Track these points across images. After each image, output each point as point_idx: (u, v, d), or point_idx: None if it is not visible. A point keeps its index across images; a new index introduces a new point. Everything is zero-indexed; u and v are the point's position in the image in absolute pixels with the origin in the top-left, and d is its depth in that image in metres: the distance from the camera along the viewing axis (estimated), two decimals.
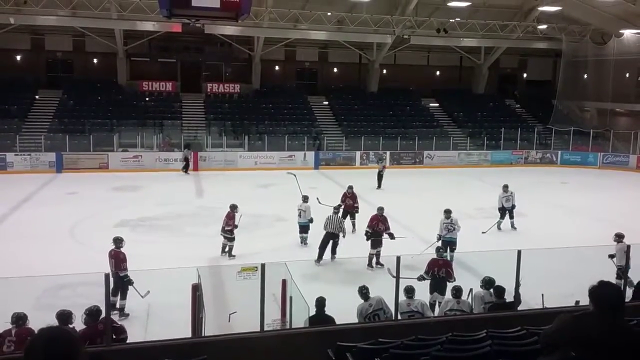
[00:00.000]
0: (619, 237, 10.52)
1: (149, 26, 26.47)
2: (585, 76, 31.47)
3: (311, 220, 13.60)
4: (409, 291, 7.37)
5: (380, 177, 21.50)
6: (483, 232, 14.92)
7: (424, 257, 11.48)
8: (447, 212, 12.50)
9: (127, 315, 9.22)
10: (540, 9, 28.01)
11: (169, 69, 31.34)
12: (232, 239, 12.62)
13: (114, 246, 9.60)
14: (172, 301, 8.81)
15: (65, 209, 16.94)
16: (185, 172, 24.29)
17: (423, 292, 6.81)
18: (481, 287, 7.86)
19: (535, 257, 8.65)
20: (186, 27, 25.07)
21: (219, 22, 23.91)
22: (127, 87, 29.88)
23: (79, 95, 28.58)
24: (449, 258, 11.42)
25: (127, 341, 6.32)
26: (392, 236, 12.23)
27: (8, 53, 28.86)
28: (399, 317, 6.77)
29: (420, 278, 9.34)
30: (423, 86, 33.27)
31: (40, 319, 6.27)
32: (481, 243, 13.69)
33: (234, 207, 12.67)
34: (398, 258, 6.59)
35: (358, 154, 27.44)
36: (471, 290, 8.01)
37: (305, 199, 13.89)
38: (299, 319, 7.43)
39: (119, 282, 9.17)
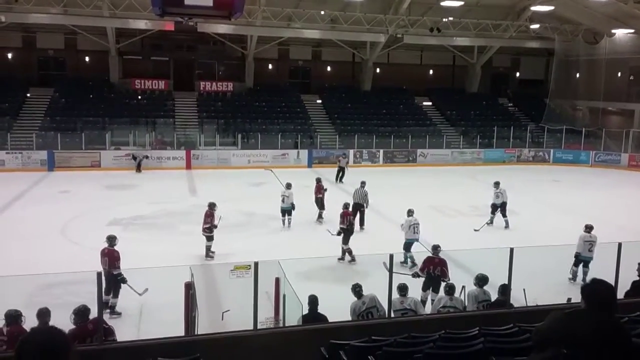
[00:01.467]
0: (587, 228, 11.33)
1: (141, 24, 26.33)
2: (578, 75, 31.66)
3: (293, 206, 14.92)
4: (402, 289, 7.39)
5: (341, 171, 22.25)
6: (475, 230, 14.99)
7: (417, 255, 11.54)
8: (411, 212, 12.52)
9: (119, 314, 9.17)
10: (533, 8, 28.14)
11: (161, 67, 31.23)
12: (210, 238, 12.35)
13: (107, 244, 9.52)
14: (165, 300, 8.79)
15: (57, 207, 16.85)
16: (138, 170, 23.91)
17: (416, 289, 6.81)
18: (475, 284, 7.88)
19: (528, 254, 8.70)
20: (179, 26, 24.98)
21: (212, 21, 23.88)
22: (120, 85, 29.74)
23: (71, 93, 28.42)
24: (410, 259, 11.94)
25: (120, 340, 6.30)
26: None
27: None
28: (392, 315, 6.79)
29: (415, 275, 9.53)
30: (416, 85, 33.34)
31: (32, 318, 6.26)
32: (473, 241, 13.76)
33: (212, 206, 12.54)
34: (391, 255, 6.61)
35: (351, 152, 27.46)
36: (463, 287, 8.03)
37: (288, 186, 15.19)
38: (293, 317, 7.43)
39: (112, 280, 9.07)
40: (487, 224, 15.66)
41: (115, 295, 9.24)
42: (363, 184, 15.52)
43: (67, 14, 25.53)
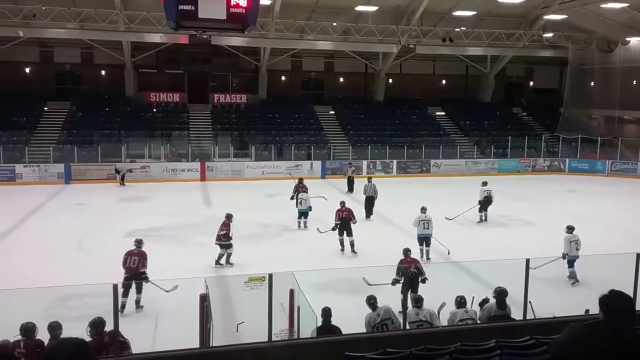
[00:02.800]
0: (569, 229, 11.97)
1: (156, 38, 26.70)
2: (592, 84, 31.39)
3: (310, 208, 16.16)
4: (418, 301, 7.34)
5: (350, 181, 22.45)
6: (447, 219, 15.94)
7: (433, 266, 11.48)
8: (424, 209, 13.71)
9: (142, 307, 9.97)
10: (546, 17, 28.05)
11: (176, 80, 31.54)
12: (229, 246, 12.79)
13: (135, 246, 10.51)
14: (180, 311, 8.81)
15: (74, 219, 17.03)
16: (122, 183, 23.83)
17: (395, 294, 6.66)
18: (494, 297, 7.70)
19: (545, 266, 8.60)
20: (193, 39, 25.21)
21: (225, 34, 24.11)
22: (135, 98, 30.10)
23: (88, 107, 28.81)
24: (426, 253, 13.21)
25: (135, 352, 6.32)
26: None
27: (17, 65, 29.17)
28: (407, 327, 6.74)
29: (394, 282, 9.70)
30: (429, 95, 33.29)
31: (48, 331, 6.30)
32: (488, 251, 13.62)
33: (229, 217, 13.00)
34: (405, 268, 6.57)
35: (365, 163, 27.44)
36: (473, 298, 7.91)
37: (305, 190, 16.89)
38: (307, 329, 7.40)
39: (138, 278, 9.95)
40: (476, 214, 17.28)
41: (139, 291, 10.06)
42: (370, 179, 18.37)
43: (83, 29, 25.97)
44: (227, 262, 12.81)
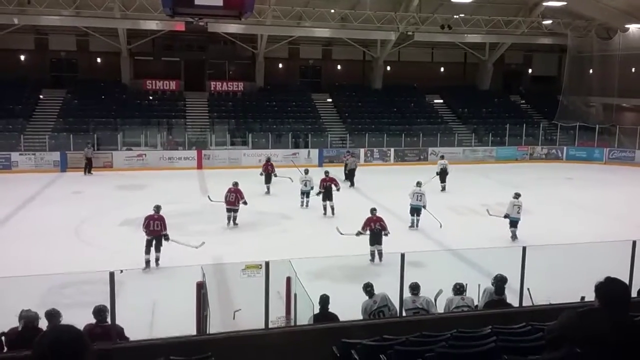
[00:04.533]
0: (516, 195, 14.31)
1: (152, 25, 26.48)
2: (591, 71, 31.29)
3: (312, 188, 17.12)
4: (414, 288, 7.35)
5: (351, 173, 21.58)
6: (418, 184, 16.50)
7: (430, 253, 11.51)
8: (419, 183, 15.52)
9: (159, 265, 11.56)
10: (545, 4, 27.87)
11: (172, 67, 31.35)
12: (237, 210, 15.07)
13: (155, 211, 12.06)
14: (177, 299, 8.82)
15: (70, 208, 17.00)
16: (88, 172, 23.17)
17: (393, 282, 6.64)
18: (492, 284, 7.73)
19: (541, 253, 8.62)
20: (189, 26, 25.07)
21: (222, 21, 23.93)
22: (131, 86, 29.92)
23: (83, 95, 28.65)
24: (416, 222, 14.95)
25: (132, 339, 6.33)
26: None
27: (12, 53, 28.92)
28: (404, 314, 6.75)
29: (358, 233, 12.14)
30: (427, 83, 33.15)
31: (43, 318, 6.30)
32: (487, 239, 13.66)
33: (236, 184, 15.35)
34: (402, 254, 6.58)
35: (362, 151, 27.40)
36: (466, 285, 7.93)
37: (306, 171, 17.66)
38: (304, 316, 7.43)
39: (159, 239, 11.75)
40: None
41: (158, 250, 11.75)
42: (351, 153, 22.52)
43: (78, 16, 25.74)
44: (234, 223, 15.05)
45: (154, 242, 11.71)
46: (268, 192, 19.47)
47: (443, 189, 19.83)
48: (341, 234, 12.78)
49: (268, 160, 20.61)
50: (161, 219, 11.97)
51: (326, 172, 17.37)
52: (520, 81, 36.49)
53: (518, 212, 14.09)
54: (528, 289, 7.15)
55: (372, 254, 12.18)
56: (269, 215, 16.34)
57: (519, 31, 29.98)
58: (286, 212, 16.71)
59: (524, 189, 16.49)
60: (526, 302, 7.18)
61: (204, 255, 12.02)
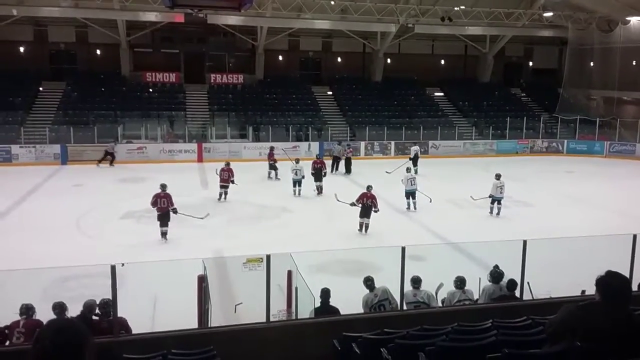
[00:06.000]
0: (497, 176, 15.85)
1: (151, 17, 26.38)
2: (592, 64, 31.20)
3: (303, 177, 18.09)
4: (416, 281, 7.36)
5: (348, 162, 22.83)
6: (387, 172, 19.11)
7: (430, 247, 11.53)
8: (409, 170, 17.36)
9: (166, 240, 12.92)
10: None
11: (172, 59, 31.24)
12: (228, 186, 17.01)
13: (161, 190, 13.28)
14: (179, 292, 8.84)
15: (71, 200, 17.00)
16: (111, 164, 23.50)
17: (394, 276, 6.70)
18: (489, 281, 7.75)
19: (541, 247, 8.63)
20: (189, 18, 24.97)
21: (221, 12, 23.83)
22: (131, 78, 29.84)
23: (83, 87, 28.56)
24: (412, 204, 16.22)
25: (135, 332, 6.36)
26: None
27: (11, 45, 28.80)
28: (405, 307, 6.77)
29: (352, 204, 13.88)
30: (428, 75, 33.06)
31: (48, 311, 6.33)
32: (486, 233, 13.69)
33: (228, 163, 17.43)
34: (403, 248, 6.59)
35: (363, 144, 27.37)
36: (480, 280, 7.96)
37: (297, 161, 18.42)
38: (305, 310, 7.45)
39: (167, 214, 13.09)
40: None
41: (166, 224, 13.07)
42: (339, 142, 23.88)
43: (78, 7, 25.64)
44: (225, 198, 17.00)
45: (163, 218, 13.12)
46: (276, 177, 20.67)
47: (416, 172, 20.47)
48: (338, 200, 14.62)
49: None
50: (167, 196, 13.19)
51: (317, 156, 20.22)
52: (520, 74, 36.40)
53: (501, 192, 15.71)
54: (528, 282, 7.16)
55: (361, 225, 13.93)
56: (270, 209, 16.35)
57: (520, 23, 29.87)
58: (288, 205, 16.73)
59: (524, 183, 16.58)
60: (526, 296, 7.21)
61: (205, 248, 12.06)
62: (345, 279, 9.71)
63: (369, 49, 32.69)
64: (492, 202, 15.81)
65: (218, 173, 17.39)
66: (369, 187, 14.16)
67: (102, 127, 25.49)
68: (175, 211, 13.23)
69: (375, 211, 13.84)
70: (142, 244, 12.59)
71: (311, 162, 19.08)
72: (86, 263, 8.92)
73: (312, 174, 18.50)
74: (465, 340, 4.99)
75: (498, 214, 15.76)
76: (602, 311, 2.86)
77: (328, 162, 22.17)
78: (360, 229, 13.92)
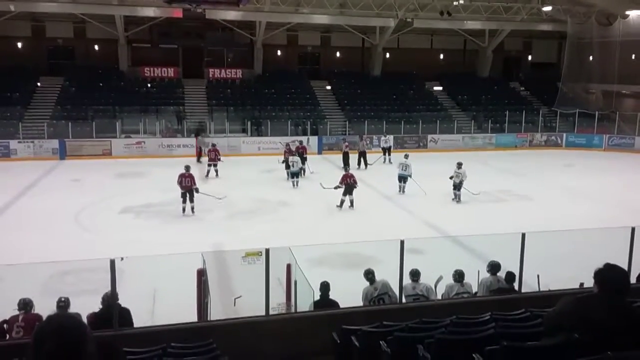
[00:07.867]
0: (458, 165, 16.59)
1: (149, 12, 26.30)
2: (591, 58, 31.15)
3: (300, 169, 19.11)
4: (415, 274, 7.37)
5: (346, 156, 21.49)
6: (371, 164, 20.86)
7: (429, 240, 11.54)
8: (406, 156, 18.10)
9: (194, 213, 14.53)
10: None
11: (170, 54, 31.17)
12: (216, 164, 19.56)
13: (185, 170, 14.80)
14: (178, 286, 8.85)
15: (70, 195, 16.99)
16: (198, 160, 23.40)
17: (393, 269, 6.74)
18: (488, 271, 7.78)
19: (540, 239, 8.64)
20: (187, 13, 24.89)
21: (219, 7, 23.76)
22: (129, 73, 29.77)
23: (81, 82, 28.50)
24: (401, 188, 17.25)
25: (134, 326, 6.36)
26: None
27: (9, 40, 28.74)
28: (404, 300, 6.79)
29: (336, 187, 15.32)
30: (427, 70, 33.01)
31: (47, 305, 6.33)
32: (486, 226, 13.69)
33: (215, 145, 20.27)
34: (402, 241, 6.60)
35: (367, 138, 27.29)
36: (479, 272, 7.98)
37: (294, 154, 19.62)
38: (304, 303, 7.46)
39: (191, 192, 14.54)
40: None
41: (192, 201, 14.63)
42: (361, 137, 24.28)
43: (75, 3, 25.56)
44: (216, 175, 19.54)
45: (187, 195, 14.52)
46: (303, 173, 20.14)
47: (390, 161, 22.70)
48: (324, 187, 15.86)
49: (287, 145, 21.75)
50: (191, 177, 14.68)
51: (300, 142, 22.07)
52: (519, 68, 36.38)
53: (459, 179, 16.64)
54: (538, 275, 7.22)
55: (342, 202, 15.33)
56: (269, 203, 16.36)
57: (519, 18, 29.81)
58: (287, 199, 16.73)
59: (523, 176, 16.58)
60: (534, 287, 7.25)
61: (205, 242, 12.06)
62: (344, 272, 9.72)
63: (367, 44, 32.62)
64: (458, 188, 16.49)
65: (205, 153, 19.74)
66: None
67: (101, 122, 25.47)
68: (197, 190, 14.68)
69: (355, 187, 15.48)
70: (141, 239, 12.59)
71: (296, 146, 20.98)
72: (85, 257, 8.91)
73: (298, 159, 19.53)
74: (464, 333, 5.01)
75: (458, 200, 16.47)
76: (600, 303, 2.87)
77: (338, 157, 22.34)
78: (341, 205, 15.31)
